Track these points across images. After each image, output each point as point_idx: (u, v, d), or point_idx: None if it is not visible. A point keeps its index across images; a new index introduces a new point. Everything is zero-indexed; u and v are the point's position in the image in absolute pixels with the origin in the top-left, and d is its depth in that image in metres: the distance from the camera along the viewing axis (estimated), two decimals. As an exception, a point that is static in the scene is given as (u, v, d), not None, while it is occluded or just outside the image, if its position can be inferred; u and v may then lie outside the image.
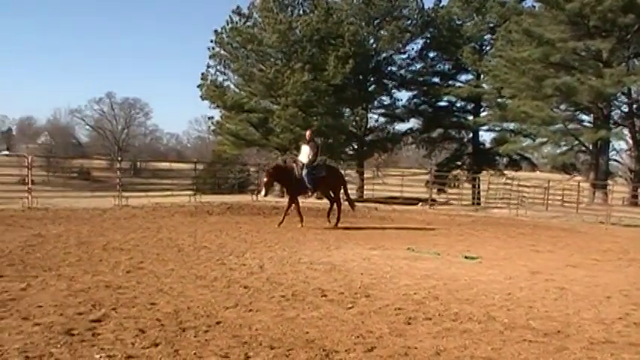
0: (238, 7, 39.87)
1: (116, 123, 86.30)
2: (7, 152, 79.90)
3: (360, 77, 43.74)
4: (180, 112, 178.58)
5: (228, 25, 39.82)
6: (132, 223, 16.93)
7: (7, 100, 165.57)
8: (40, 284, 8.55)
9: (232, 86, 41.65)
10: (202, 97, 40.54)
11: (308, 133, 18.80)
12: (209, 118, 44.80)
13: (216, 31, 40.16)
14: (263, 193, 18.17)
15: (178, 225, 17.02)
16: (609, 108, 36.47)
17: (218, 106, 41.13)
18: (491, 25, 45.39)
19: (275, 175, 18.04)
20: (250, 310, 7.58)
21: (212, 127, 45.51)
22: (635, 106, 37.11)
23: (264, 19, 39.14)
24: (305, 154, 18.04)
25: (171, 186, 30.72)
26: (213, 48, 40.64)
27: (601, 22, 33.76)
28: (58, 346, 5.92)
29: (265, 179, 17.87)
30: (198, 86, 40.39)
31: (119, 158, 34.10)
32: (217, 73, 41.43)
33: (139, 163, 60.20)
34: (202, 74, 40.52)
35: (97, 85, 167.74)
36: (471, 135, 49.15)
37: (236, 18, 39.88)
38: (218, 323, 6.93)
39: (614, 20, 33.08)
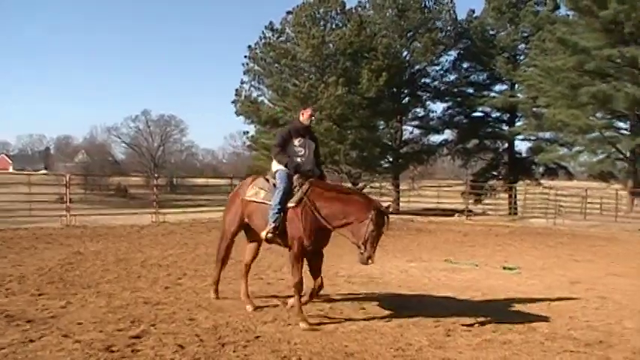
0: (271, 22, 40.12)
1: (152, 140, 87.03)
2: (45, 171, 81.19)
3: (394, 90, 43.67)
4: (216, 128, 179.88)
5: (261, 40, 40.12)
6: (169, 240, 17.15)
7: (45, 120, 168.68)
8: (79, 301, 8.73)
9: (266, 101, 41.82)
10: (237, 113, 40.82)
11: (308, 112, 8.81)
12: (244, 133, 45.00)
13: (249, 46, 40.48)
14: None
15: (215, 240, 17.05)
16: (647, 115, 35.98)
17: (253, 122, 41.35)
18: (525, 34, 45.10)
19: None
20: (289, 325, 7.66)
21: (247, 142, 45.73)
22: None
23: (297, 33, 39.34)
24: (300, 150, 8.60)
25: (208, 202, 30.94)
26: (247, 64, 40.92)
27: (636, 29, 33.36)
28: (99, 362, 6.07)
29: None
30: (232, 102, 40.67)
31: (155, 175, 34.45)
32: (251, 88, 41.62)
33: (175, 180, 60.62)
34: (236, 90, 40.81)
35: (133, 103, 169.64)
36: (506, 145, 48.73)
37: (269, 33, 40.13)
38: (257, 338, 7.03)
39: (649, 27, 32.67)
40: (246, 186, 8.92)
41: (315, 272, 8.16)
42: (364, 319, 8.00)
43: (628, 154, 36.49)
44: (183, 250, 14.92)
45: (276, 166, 8.43)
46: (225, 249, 9.39)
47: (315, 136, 9.08)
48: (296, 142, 8.45)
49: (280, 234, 8.06)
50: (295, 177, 8.14)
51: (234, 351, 6.50)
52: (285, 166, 8.23)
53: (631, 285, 11.29)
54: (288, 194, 8.03)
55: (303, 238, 7.83)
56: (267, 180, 8.58)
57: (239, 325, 7.53)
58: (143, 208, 27.26)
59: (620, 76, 34.72)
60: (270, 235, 8.08)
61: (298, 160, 8.32)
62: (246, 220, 8.78)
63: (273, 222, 8.00)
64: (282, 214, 7.99)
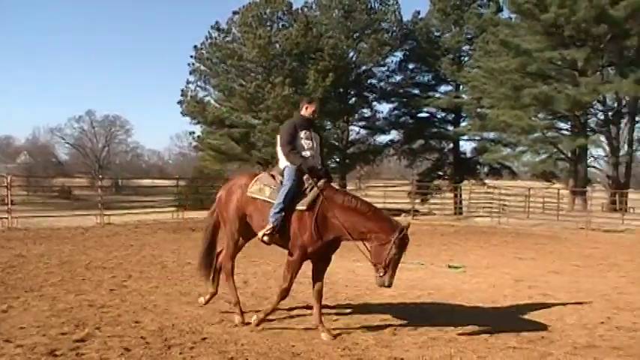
0: (217, 22, 39.86)
1: (96, 141, 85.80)
2: (-16, 172, 79.08)
3: (341, 90, 43.85)
4: (162, 129, 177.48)
5: (207, 40, 39.86)
6: (114, 241, 16.88)
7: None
8: (21, 305, 8.52)
9: (213, 101, 41.55)
10: (183, 113, 40.40)
11: (312, 107, 8.11)
12: (190, 133, 44.63)
13: (195, 46, 40.17)
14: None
15: (161, 242, 17.02)
16: (586, 116, 36.96)
17: (199, 122, 41.01)
18: (469, 36, 45.79)
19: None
20: (236, 326, 7.61)
21: (193, 143, 45.39)
22: (610, 113, 37.66)
23: (243, 34, 39.17)
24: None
25: (154, 203, 30.57)
26: (193, 64, 40.61)
27: (575, 32, 34.23)
28: (43, 367, 5.94)
29: None
30: (178, 102, 40.26)
31: (100, 176, 33.94)
32: (197, 88, 41.34)
33: (120, 181, 59.79)
34: (182, 90, 40.38)
35: (77, 103, 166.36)
36: (451, 145, 49.40)
37: (215, 33, 39.88)
38: (204, 339, 6.96)
39: (588, 30, 33.55)
40: (245, 182, 8.05)
41: (319, 276, 7.61)
42: (311, 319, 7.98)
43: (569, 154, 37.43)
44: (129, 251, 14.71)
45: (284, 162, 7.77)
46: (234, 254, 8.40)
47: (319, 130, 8.50)
48: (302, 134, 7.82)
49: (281, 236, 7.44)
50: (305, 176, 7.50)
51: (180, 353, 6.43)
52: (299, 166, 7.53)
53: (572, 282, 11.55)
54: (295, 194, 7.42)
55: (308, 246, 7.27)
56: (273, 176, 7.85)
57: (185, 327, 7.45)
58: (87, 209, 26.78)
59: (560, 78, 35.61)
60: (266, 237, 7.41)
61: (307, 154, 7.71)
62: (247, 218, 7.97)
63: (273, 222, 7.36)
64: (283, 214, 7.36)
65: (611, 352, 6.77)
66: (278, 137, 7.93)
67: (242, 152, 39.31)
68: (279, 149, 7.88)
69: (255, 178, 7.97)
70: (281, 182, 7.58)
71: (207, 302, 8.50)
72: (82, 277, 10.84)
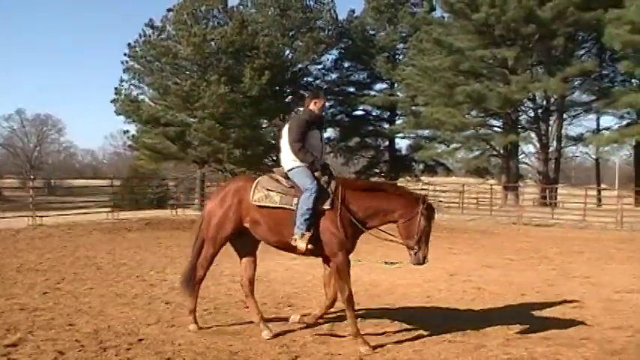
0: (151, 19, 39.23)
1: (27, 140, 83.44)
2: None
3: (277, 88, 43.84)
4: (95, 128, 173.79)
5: (141, 38, 39.22)
6: (47, 243, 16.44)
7: None
8: (-51, 311, 8.23)
9: (147, 100, 40.94)
10: (117, 112, 39.65)
11: (322, 102, 7.71)
12: (125, 132, 43.85)
13: (129, 44, 39.46)
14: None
15: (96, 243, 16.68)
16: (517, 113, 38.00)
17: (133, 121, 40.33)
18: (404, 34, 46.41)
19: None
20: (173, 326, 7.53)
21: (128, 142, 44.62)
22: (540, 111, 38.73)
23: (177, 31, 38.75)
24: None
25: (88, 203, 29.93)
26: (126, 62, 39.88)
27: (505, 32, 35.13)
28: (-28, 374, 5.79)
29: None
30: (112, 101, 39.52)
31: (32, 176, 33.05)
32: (132, 87, 40.66)
33: (53, 181, 58.30)
34: (116, 89, 39.64)
35: (5, 102, 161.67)
36: (387, 142, 49.99)
37: (149, 31, 39.24)
38: (140, 341, 6.85)
39: (518, 30, 34.48)
40: (242, 188, 7.33)
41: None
42: (249, 318, 7.97)
43: (501, 151, 38.33)
44: (63, 253, 14.35)
45: (290, 163, 7.21)
46: (211, 260, 7.61)
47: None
48: (312, 133, 7.32)
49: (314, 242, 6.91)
50: (317, 174, 7.07)
51: (116, 355, 6.31)
52: (311, 164, 7.09)
53: (504, 276, 11.84)
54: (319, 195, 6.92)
55: (347, 242, 6.94)
56: (277, 180, 7.24)
57: (121, 329, 7.32)
58: (18, 210, 26.04)
59: (492, 76, 36.46)
60: (310, 245, 6.83)
61: (316, 154, 7.19)
62: (246, 226, 7.30)
63: (307, 229, 6.82)
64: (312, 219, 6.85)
65: (542, 342, 6.97)
66: (285, 134, 7.38)
67: (178, 151, 38.90)
68: (285, 147, 7.31)
69: (255, 184, 7.25)
70: (291, 186, 7.08)
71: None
72: (14, 281, 10.51)
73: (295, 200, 6.93)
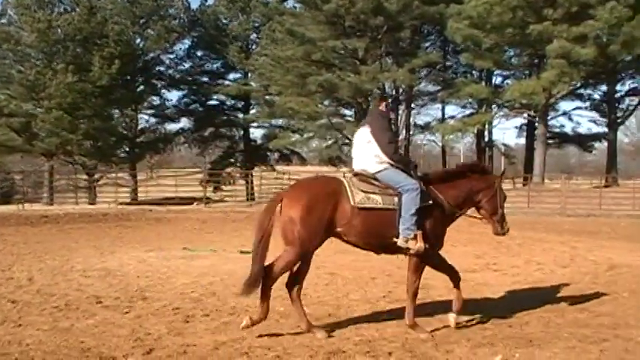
0: (-9, 3, 37.26)
1: None
2: None
3: (128, 78, 42.81)
4: None
5: (-20, 22, 37.09)
6: None
7: None
8: None
9: (-12, 89, 38.81)
10: (-46, 102, 37.31)
11: (386, 102, 7.65)
12: (-37, 124, 41.25)
13: (-35, 29, 37.21)
14: None
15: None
16: (368, 103, 39.05)
17: (-27, 111, 38.10)
18: (256, 24, 46.56)
19: None
20: (20, 325, 7.22)
21: (-32, 134, 42.02)
22: (389, 100, 40.13)
23: (20, 16, 36.99)
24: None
25: None
26: (-37, 47, 37.62)
27: (355, 23, 36.14)
28: None
29: None
30: (-53, 90, 37.18)
31: None
32: (-30, 75, 38.41)
33: None
34: (-49, 77, 37.36)
35: None
36: (242, 132, 50.02)
37: (-11, 16, 37.25)
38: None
39: (367, 21, 35.62)
40: (338, 192, 6.83)
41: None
42: (101, 313, 7.77)
43: (353, 140, 39.42)
44: None
45: (376, 165, 6.99)
46: (291, 268, 7.01)
47: None
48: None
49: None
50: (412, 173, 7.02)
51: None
52: (406, 165, 7.04)
53: (356, 261, 12.16)
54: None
55: (442, 235, 7.15)
56: (368, 182, 6.95)
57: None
58: None
59: (343, 67, 37.40)
60: (413, 243, 6.74)
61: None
62: (338, 231, 6.84)
63: (418, 228, 6.74)
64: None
65: (392, 324, 7.26)
66: (363, 138, 7.18)
67: (23, 143, 37.10)
68: (368, 150, 7.08)
69: (348, 187, 6.88)
70: (386, 187, 6.89)
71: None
72: None
73: (396, 200, 6.81)
